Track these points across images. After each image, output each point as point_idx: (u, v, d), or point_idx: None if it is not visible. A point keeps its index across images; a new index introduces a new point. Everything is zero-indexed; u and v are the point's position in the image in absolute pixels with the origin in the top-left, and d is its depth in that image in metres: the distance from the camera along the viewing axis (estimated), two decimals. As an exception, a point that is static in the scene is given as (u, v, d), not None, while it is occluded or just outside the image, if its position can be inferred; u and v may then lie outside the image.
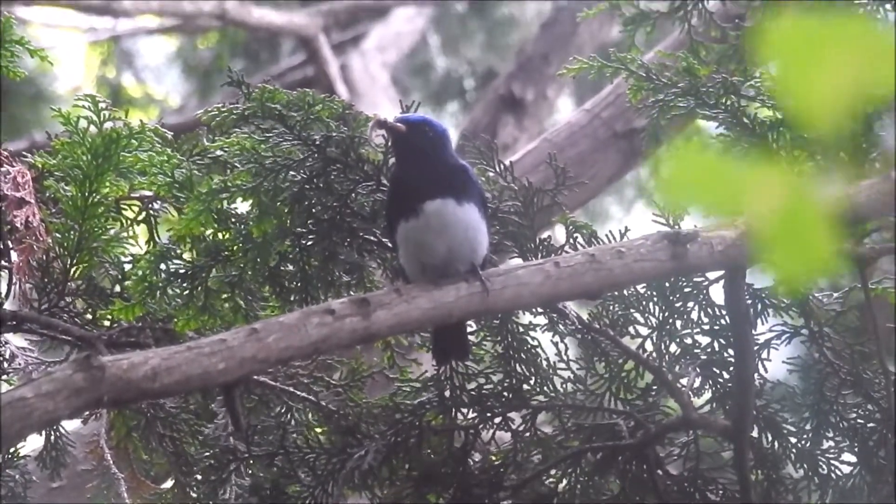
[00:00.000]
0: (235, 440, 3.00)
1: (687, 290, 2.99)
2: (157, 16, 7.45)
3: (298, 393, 3.07)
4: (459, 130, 6.41)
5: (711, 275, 2.95)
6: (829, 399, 2.99)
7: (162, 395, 2.72)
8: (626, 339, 3.01)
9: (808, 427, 3.01)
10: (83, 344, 2.88)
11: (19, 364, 3.03)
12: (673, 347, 3.01)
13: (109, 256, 2.99)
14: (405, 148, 2.74)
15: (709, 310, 2.99)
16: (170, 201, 3.00)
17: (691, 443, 3.04)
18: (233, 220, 2.89)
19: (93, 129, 2.91)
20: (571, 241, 2.94)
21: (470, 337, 2.99)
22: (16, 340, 3.10)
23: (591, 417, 3.05)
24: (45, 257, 2.95)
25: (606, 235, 2.88)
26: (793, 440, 3.01)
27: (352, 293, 2.94)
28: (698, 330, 3.01)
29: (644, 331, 3.01)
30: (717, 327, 3.00)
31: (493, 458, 3.07)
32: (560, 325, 3.01)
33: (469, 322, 2.94)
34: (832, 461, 3.01)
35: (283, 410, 3.08)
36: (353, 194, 2.93)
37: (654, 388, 3.02)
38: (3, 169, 2.93)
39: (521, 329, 3.04)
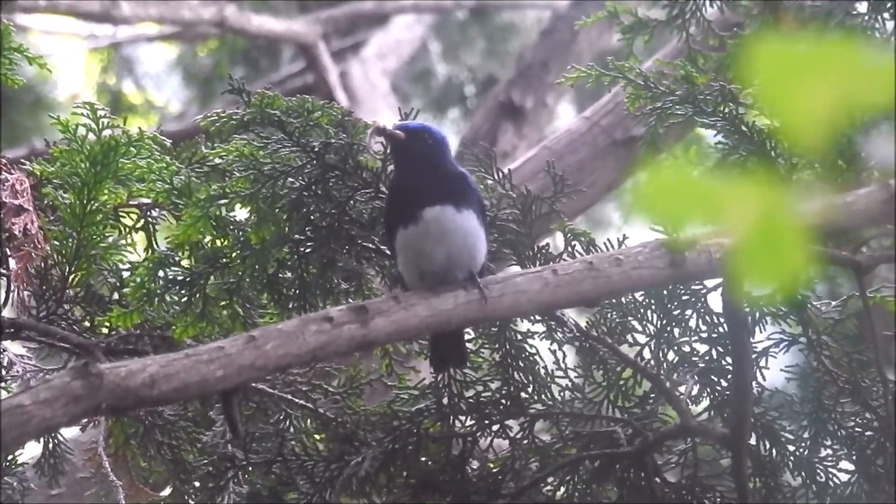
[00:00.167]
0: (233, 447, 3.00)
1: (685, 297, 2.99)
2: (156, 23, 7.45)
3: (296, 400, 3.07)
4: (460, 137, 6.42)
5: (710, 282, 2.95)
6: (828, 407, 2.99)
7: (160, 403, 2.72)
8: (624, 347, 3.02)
9: (806, 435, 3.01)
10: (81, 351, 2.88)
11: (17, 371, 3.03)
12: (671, 355, 3.01)
13: (108, 264, 2.99)
14: (404, 155, 2.74)
15: (707, 317, 2.99)
16: (168, 208, 3.01)
17: (689, 450, 3.04)
18: (231, 226, 2.89)
19: (91, 136, 2.92)
20: (570, 248, 2.95)
21: (468, 344, 2.99)
22: (14, 348, 3.10)
23: (589, 425, 3.05)
24: (43, 265, 2.96)
25: (605, 243, 2.89)
26: (791, 448, 3.01)
27: (350, 301, 2.94)
28: (696, 338, 3.01)
29: (642, 338, 3.01)
30: (715, 335, 3.00)
31: (491, 465, 3.07)
32: (558, 333, 3.01)
33: (467, 329, 2.94)
34: (830, 469, 3.00)
35: (281, 418, 3.08)
36: (352, 201, 2.93)
37: (652, 395, 3.02)
38: (1, 176, 2.93)
39: (520, 337, 3.04)
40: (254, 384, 2.95)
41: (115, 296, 3.03)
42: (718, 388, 3.01)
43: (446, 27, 8.88)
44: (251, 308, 2.94)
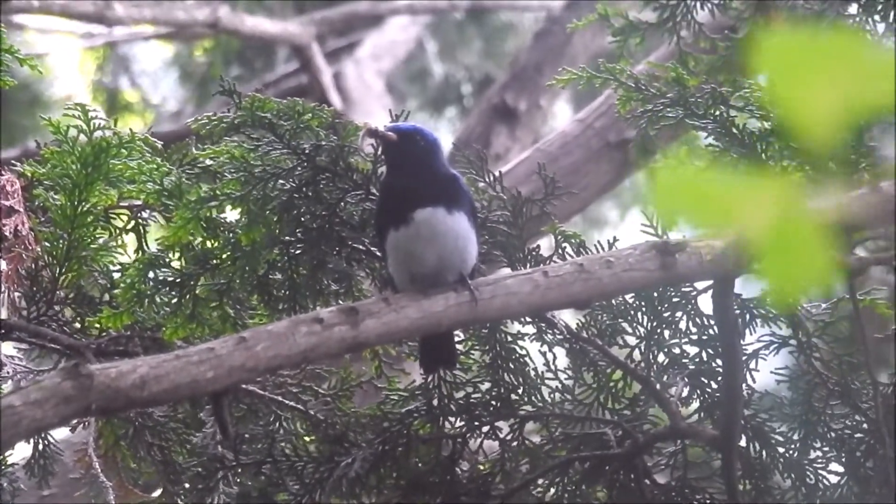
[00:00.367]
0: (223, 449, 3.00)
1: (675, 299, 2.99)
2: (150, 24, 7.45)
3: (287, 402, 3.07)
4: (453, 139, 6.42)
5: (700, 285, 2.95)
6: (817, 409, 3.00)
7: (150, 404, 2.72)
8: (614, 349, 3.02)
9: (795, 437, 3.01)
10: (72, 352, 2.88)
11: (8, 372, 3.03)
12: (661, 357, 3.02)
13: (98, 265, 2.99)
14: (396, 156, 2.74)
15: (697, 320, 2.99)
16: (159, 210, 3.01)
17: (679, 452, 3.04)
18: (222, 228, 2.89)
19: (82, 137, 2.92)
20: (560, 250, 2.95)
21: (458, 346, 2.99)
22: (4, 349, 3.10)
23: (580, 427, 3.05)
24: (34, 266, 2.96)
25: (595, 245, 2.89)
26: (781, 450, 3.02)
27: (340, 302, 2.94)
28: (686, 340, 3.01)
29: (632, 340, 3.01)
30: (705, 337, 3.00)
31: (481, 467, 3.07)
32: (548, 335, 3.02)
33: (457, 331, 2.94)
34: (820, 471, 3.01)
35: (271, 419, 3.08)
36: (343, 203, 2.94)
37: (643, 397, 3.03)
38: (-8, 178, 2.94)
39: (510, 338, 3.04)
40: (244, 385, 2.95)
41: (106, 297, 3.03)
42: (708, 390, 3.01)
43: (443, 27, 8.89)
44: (241, 309, 2.94)
